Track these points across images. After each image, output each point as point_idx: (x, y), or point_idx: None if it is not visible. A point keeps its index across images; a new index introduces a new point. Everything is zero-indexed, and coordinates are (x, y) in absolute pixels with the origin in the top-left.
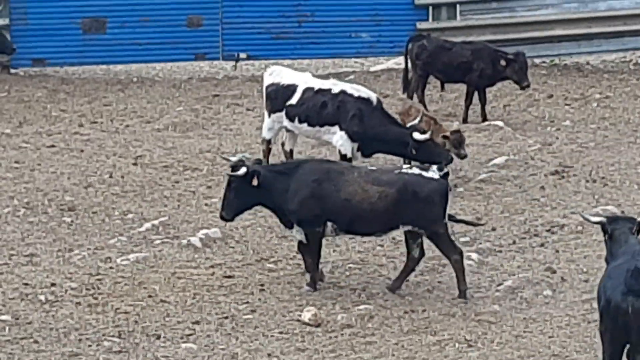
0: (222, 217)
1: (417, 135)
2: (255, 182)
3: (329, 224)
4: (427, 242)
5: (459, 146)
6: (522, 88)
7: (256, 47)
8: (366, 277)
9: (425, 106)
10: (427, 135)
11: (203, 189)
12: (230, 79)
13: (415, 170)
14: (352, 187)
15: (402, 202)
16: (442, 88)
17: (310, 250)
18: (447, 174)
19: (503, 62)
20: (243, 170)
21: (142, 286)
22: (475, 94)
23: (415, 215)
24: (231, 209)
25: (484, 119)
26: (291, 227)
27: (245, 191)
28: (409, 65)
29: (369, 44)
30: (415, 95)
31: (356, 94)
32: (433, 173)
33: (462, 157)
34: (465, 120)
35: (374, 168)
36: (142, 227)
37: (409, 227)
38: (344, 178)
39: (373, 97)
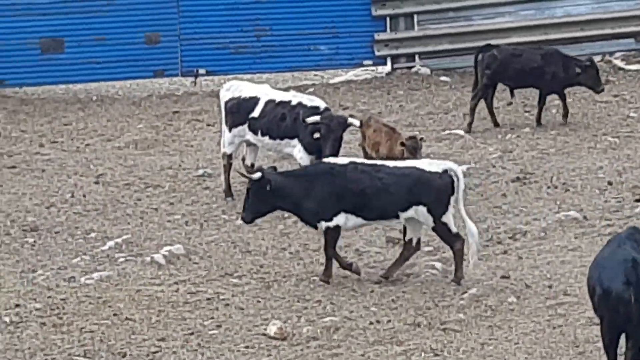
0: None
1: (309, 119)
2: None
3: None
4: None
5: (414, 152)
6: (597, 93)
7: (215, 63)
8: (331, 289)
9: (493, 115)
10: (316, 119)
11: (165, 205)
12: (190, 95)
13: None
14: None
15: None
16: (512, 95)
17: None
18: None
19: (578, 70)
20: None
21: (106, 305)
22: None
23: None
24: None
25: (539, 122)
26: None
27: None
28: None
29: (327, 57)
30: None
31: (309, 104)
32: None
33: None
34: (538, 122)
35: None
36: (105, 246)
37: None
38: None
39: (322, 105)
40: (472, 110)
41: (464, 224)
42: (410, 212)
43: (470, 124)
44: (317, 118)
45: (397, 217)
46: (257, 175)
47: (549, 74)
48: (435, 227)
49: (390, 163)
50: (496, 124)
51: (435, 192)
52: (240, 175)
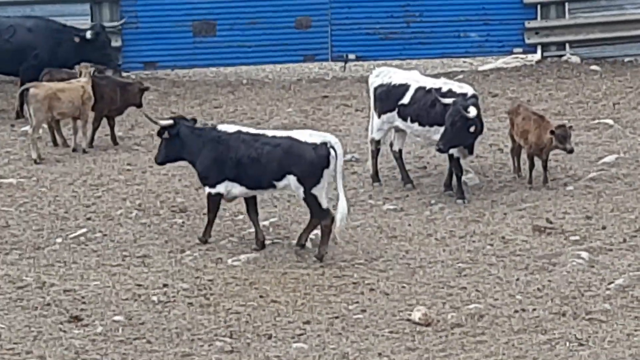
0: None
1: (443, 99)
2: None
3: None
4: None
5: (564, 141)
6: None
7: (365, 48)
8: (476, 277)
9: None
10: (448, 101)
11: None
12: (339, 80)
13: None
14: None
15: None
16: None
17: None
18: None
19: None
20: None
21: (253, 286)
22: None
23: None
24: None
25: None
26: None
27: None
28: None
29: (477, 44)
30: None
31: (459, 91)
32: None
33: (569, 151)
34: None
35: None
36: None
37: None
38: None
39: (470, 92)
40: None
41: (338, 198)
42: (285, 182)
43: None
44: (449, 100)
45: (274, 186)
46: (168, 122)
47: None
48: (305, 199)
49: (270, 132)
50: None
51: (306, 164)
52: (148, 120)
